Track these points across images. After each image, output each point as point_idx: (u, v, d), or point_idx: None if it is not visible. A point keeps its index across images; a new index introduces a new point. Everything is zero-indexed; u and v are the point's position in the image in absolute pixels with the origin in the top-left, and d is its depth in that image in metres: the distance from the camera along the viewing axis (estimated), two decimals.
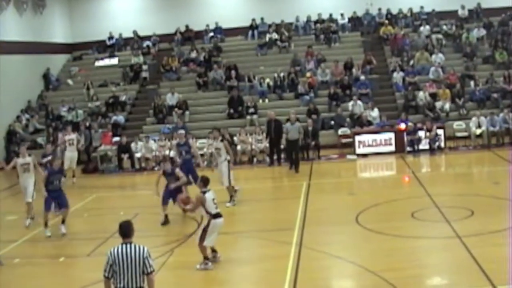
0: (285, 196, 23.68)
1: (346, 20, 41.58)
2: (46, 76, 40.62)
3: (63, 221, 19.37)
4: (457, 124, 31.39)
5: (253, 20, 41.91)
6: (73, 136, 29.16)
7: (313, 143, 29.55)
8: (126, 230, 9.98)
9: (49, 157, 23.45)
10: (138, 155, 30.64)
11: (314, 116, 31.27)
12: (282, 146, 28.49)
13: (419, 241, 16.33)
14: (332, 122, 32.21)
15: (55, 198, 19.26)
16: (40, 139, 34.70)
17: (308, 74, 35.53)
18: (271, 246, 16.75)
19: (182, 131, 24.10)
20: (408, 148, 29.26)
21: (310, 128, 29.63)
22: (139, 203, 21.80)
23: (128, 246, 9.83)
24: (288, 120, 28.21)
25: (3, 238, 19.09)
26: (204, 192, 14.98)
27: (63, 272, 16.44)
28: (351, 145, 30.15)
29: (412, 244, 16.16)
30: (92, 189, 26.47)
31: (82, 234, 19.87)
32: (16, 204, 22.06)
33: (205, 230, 14.90)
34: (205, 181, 15.26)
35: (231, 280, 14.77)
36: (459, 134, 31.04)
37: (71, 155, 28.36)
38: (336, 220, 18.96)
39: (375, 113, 31.94)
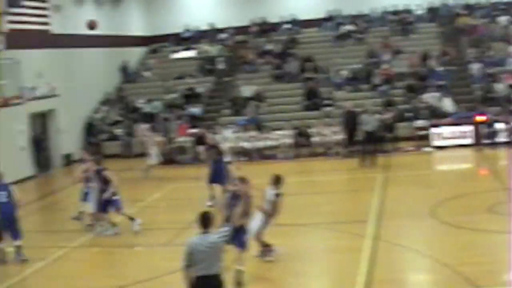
0: (360, 188, 23.65)
1: (423, 10, 41.16)
2: (123, 69, 41.28)
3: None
4: None
5: (329, 11, 41.81)
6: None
7: (389, 135, 29.44)
8: (205, 221, 10.21)
9: None
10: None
11: (390, 108, 31.11)
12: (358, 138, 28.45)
13: (497, 235, 16.04)
14: (409, 114, 31.95)
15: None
16: (118, 131, 35.33)
17: (384, 66, 35.32)
18: (345, 238, 16.84)
19: (211, 135, 24.26)
20: (486, 141, 28.84)
21: (387, 121, 29.52)
22: (215, 194, 22.02)
23: (206, 236, 10.08)
24: (364, 111, 28.04)
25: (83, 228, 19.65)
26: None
27: (140, 261, 16.83)
28: (427, 137, 29.94)
29: (489, 238, 15.99)
30: (169, 180, 26.86)
31: (159, 224, 20.24)
32: None
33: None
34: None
35: (306, 271, 14.87)
36: None
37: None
38: (411, 213, 18.88)
39: (451, 105, 31.57)
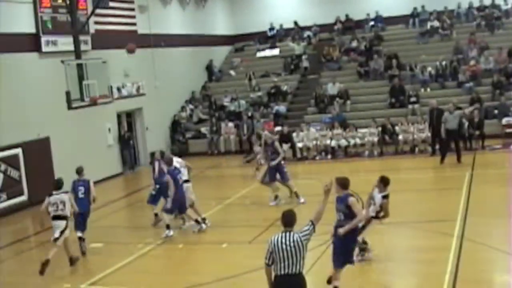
0: (447, 186, 23.30)
1: (510, 5, 40.26)
2: (209, 68, 41.69)
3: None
4: None
5: (414, 8, 41.29)
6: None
7: (477, 132, 28.93)
8: (288, 219, 10.22)
9: None
10: (299, 144, 30.95)
11: (477, 105, 30.56)
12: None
13: None
14: (496, 111, 31.33)
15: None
16: (204, 129, 35.69)
17: (471, 62, 34.70)
18: (432, 237, 16.63)
19: (268, 134, 24.20)
20: None
21: (476, 119, 29.04)
22: (300, 191, 22.00)
23: (288, 234, 10.08)
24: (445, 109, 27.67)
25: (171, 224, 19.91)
26: None
27: (225, 258, 16.93)
28: None
29: None
30: (254, 178, 26.96)
31: (244, 221, 20.35)
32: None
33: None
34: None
35: (393, 270, 14.78)
36: None
37: None
38: (499, 212, 18.48)
39: None
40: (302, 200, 21.47)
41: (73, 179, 18.29)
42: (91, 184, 18.21)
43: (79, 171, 18.38)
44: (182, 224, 19.79)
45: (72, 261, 17.11)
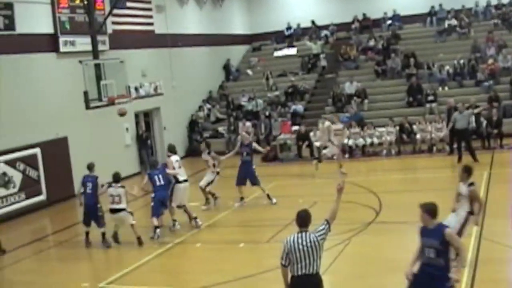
0: None
1: None
2: (226, 67, 41.75)
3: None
4: None
5: (432, 6, 41.19)
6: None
7: (495, 131, 28.81)
8: (303, 219, 10.21)
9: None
10: (317, 143, 30.90)
11: (495, 104, 30.42)
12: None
13: None
14: None
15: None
16: (221, 129, 35.74)
17: (489, 61, 34.55)
18: None
19: (245, 135, 24.32)
20: None
21: (494, 118, 28.91)
22: (318, 191, 22.02)
23: (304, 234, 10.07)
24: (455, 108, 27.57)
25: (187, 224, 19.99)
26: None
27: (242, 258, 16.97)
28: None
29: None
30: (272, 177, 26.92)
31: (262, 221, 20.35)
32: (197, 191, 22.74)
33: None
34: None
35: None
36: None
37: None
38: None
39: None
40: (274, 201, 22.17)
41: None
42: (99, 180, 18.94)
43: (90, 167, 19.26)
44: (172, 226, 19.86)
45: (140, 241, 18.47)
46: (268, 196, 22.25)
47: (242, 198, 22.64)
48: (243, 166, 22.67)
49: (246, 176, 22.46)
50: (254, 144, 23.53)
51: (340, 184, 10.52)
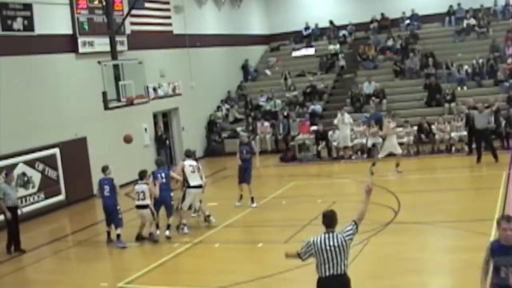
0: (483, 186, 23.08)
1: None
2: (244, 67, 41.79)
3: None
4: None
5: (450, 6, 41.02)
6: None
7: None
8: (330, 220, 10.17)
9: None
10: (335, 143, 30.87)
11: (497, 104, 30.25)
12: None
13: None
14: None
15: None
16: (240, 129, 35.75)
17: (508, 60, 34.37)
18: (469, 237, 16.48)
19: (244, 134, 24.45)
20: None
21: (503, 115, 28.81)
22: (336, 191, 22.02)
23: (331, 235, 10.02)
24: (474, 108, 27.44)
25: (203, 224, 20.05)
26: None
27: (260, 258, 17.01)
28: None
29: None
30: (290, 177, 26.95)
31: (280, 221, 20.35)
32: (216, 191, 22.80)
33: None
34: None
35: (429, 269, 14.71)
36: None
37: None
38: None
39: None
40: (254, 204, 22.27)
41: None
42: (115, 182, 19.34)
43: (104, 169, 19.57)
44: (181, 229, 19.86)
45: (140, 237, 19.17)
46: (252, 199, 22.39)
47: (241, 196, 22.62)
48: (243, 164, 22.71)
49: (245, 174, 22.57)
50: (253, 143, 23.97)
51: (369, 185, 10.46)
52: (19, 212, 19.63)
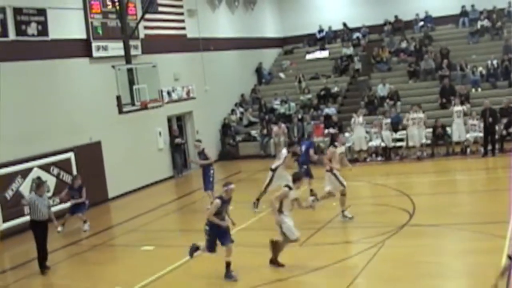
0: (499, 187, 22.87)
1: None
2: (258, 70, 41.81)
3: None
4: None
5: (463, 7, 40.87)
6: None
7: None
8: None
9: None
10: (349, 144, 30.76)
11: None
12: (497, 136, 27.77)
13: None
14: None
15: None
16: (254, 132, 35.78)
17: None
18: (484, 239, 16.40)
19: (198, 143, 24.46)
20: None
21: None
22: (351, 194, 21.90)
23: None
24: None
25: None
26: None
27: None
28: None
29: None
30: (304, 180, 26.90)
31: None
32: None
33: None
34: None
35: (443, 272, 14.64)
36: None
37: None
38: None
39: None
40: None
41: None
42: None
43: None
44: None
45: None
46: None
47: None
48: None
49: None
50: (206, 151, 24.04)
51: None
52: (59, 229, 19.75)
